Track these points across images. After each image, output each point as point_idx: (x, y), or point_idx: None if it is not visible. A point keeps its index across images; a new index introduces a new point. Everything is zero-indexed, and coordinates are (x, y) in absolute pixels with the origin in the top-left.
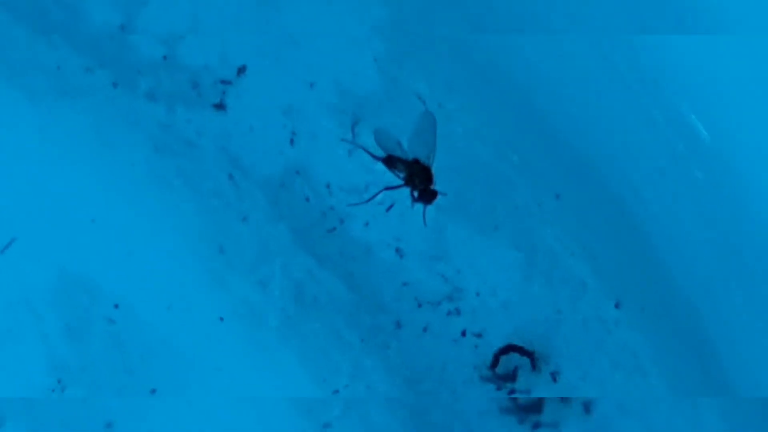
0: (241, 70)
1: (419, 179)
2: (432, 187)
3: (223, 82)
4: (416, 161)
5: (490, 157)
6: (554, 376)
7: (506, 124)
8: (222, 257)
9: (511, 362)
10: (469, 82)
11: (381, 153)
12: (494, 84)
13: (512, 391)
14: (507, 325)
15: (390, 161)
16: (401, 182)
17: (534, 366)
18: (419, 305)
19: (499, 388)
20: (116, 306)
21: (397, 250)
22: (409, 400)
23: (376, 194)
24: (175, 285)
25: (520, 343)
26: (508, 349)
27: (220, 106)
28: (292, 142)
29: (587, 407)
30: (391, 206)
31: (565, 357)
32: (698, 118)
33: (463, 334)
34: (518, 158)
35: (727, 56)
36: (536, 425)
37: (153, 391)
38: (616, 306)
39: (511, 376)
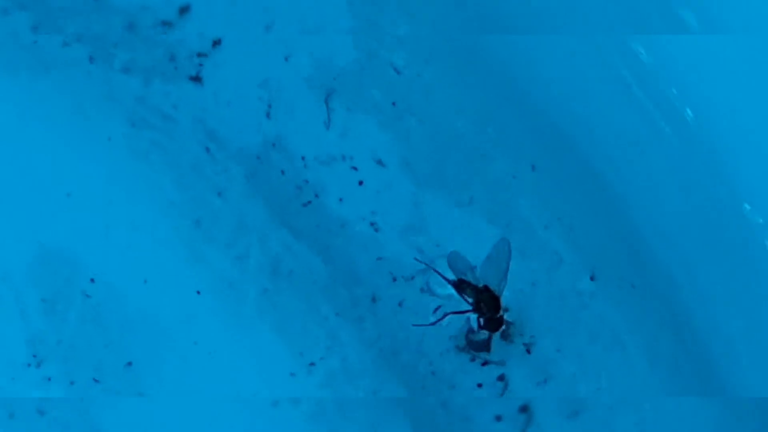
0: (217, 42)
1: (487, 307)
2: (499, 315)
3: (200, 54)
4: (486, 288)
5: (466, 129)
6: (528, 347)
7: (482, 96)
8: (199, 231)
9: (485, 333)
10: (445, 54)
11: (452, 276)
12: (471, 56)
13: (486, 363)
14: None
15: (460, 286)
16: (469, 307)
17: (506, 336)
18: (394, 279)
19: (473, 359)
20: (92, 280)
21: (372, 224)
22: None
23: (442, 318)
24: (151, 259)
25: None
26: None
27: (196, 79)
28: (268, 115)
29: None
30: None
31: (541, 329)
32: (678, 92)
33: (438, 308)
34: (494, 130)
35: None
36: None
37: (129, 364)
38: (592, 278)
39: (485, 346)
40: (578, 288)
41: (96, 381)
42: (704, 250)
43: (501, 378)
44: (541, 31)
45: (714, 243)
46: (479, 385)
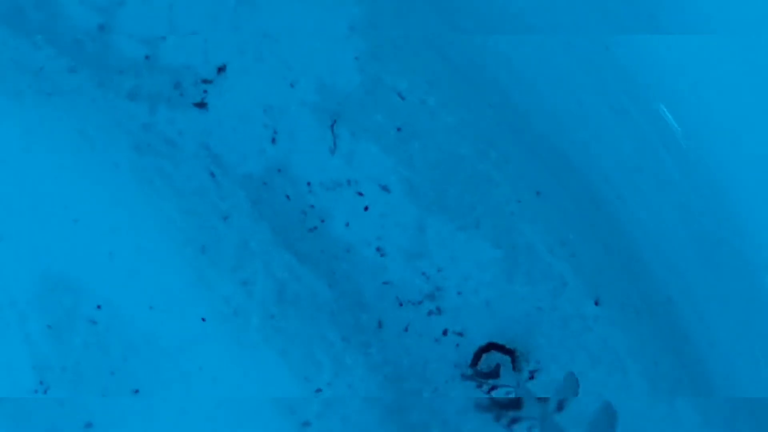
0: (222, 69)
1: None
2: None
3: (205, 81)
4: None
5: (470, 154)
6: (532, 374)
7: (486, 121)
8: (204, 256)
9: (492, 360)
10: (449, 79)
11: None
12: (474, 81)
13: (493, 388)
14: (488, 324)
15: None
16: None
17: (515, 365)
18: (400, 304)
19: (480, 386)
20: (99, 307)
21: (378, 249)
22: (389, 399)
23: None
24: (157, 285)
25: (501, 341)
26: (489, 347)
27: (201, 105)
28: (273, 140)
29: (561, 405)
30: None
31: (546, 354)
32: (672, 114)
33: (445, 333)
34: (498, 155)
35: (702, 55)
36: (513, 421)
37: (136, 391)
38: (596, 303)
39: (493, 374)
40: (582, 312)
41: (103, 408)
42: (705, 275)
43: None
44: (544, 58)
45: (716, 267)
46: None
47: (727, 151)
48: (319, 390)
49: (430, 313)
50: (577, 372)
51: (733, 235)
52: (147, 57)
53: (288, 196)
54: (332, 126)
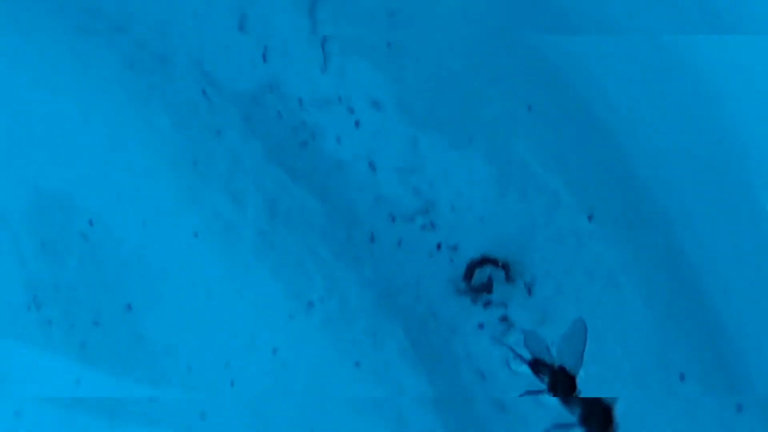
0: None
1: (562, 388)
2: (574, 396)
3: None
4: (562, 369)
5: (461, 70)
6: (529, 288)
7: (477, 36)
8: (196, 172)
9: (485, 274)
10: None
11: (527, 355)
12: None
13: (488, 303)
14: (481, 239)
15: (535, 366)
16: (543, 386)
17: (508, 277)
18: (393, 219)
19: (474, 301)
20: (91, 222)
21: (370, 164)
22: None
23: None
24: (149, 201)
25: (494, 256)
26: (483, 261)
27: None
28: (264, 57)
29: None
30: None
31: (540, 269)
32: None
33: (438, 247)
34: (489, 70)
35: None
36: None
37: (128, 306)
38: (590, 219)
39: (486, 288)
40: (576, 228)
41: (96, 324)
42: (701, 190)
43: (503, 319)
44: None
45: (710, 182)
46: (480, 326)
47: (723, 66)
48: (311, 305)
49: (423, 227)
50: (571, 288)
51: (729, 148)
52: None
53: (279, 113)
54: (323, 43)
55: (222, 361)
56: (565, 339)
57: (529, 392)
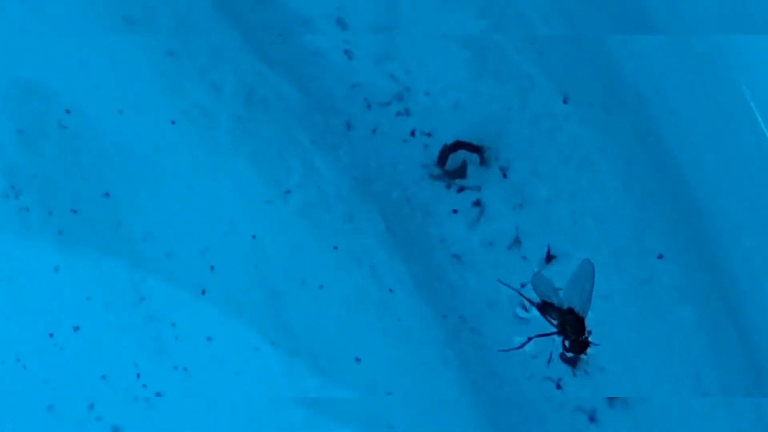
0: None
1: (572, 329)
2: (583, 337)
3: None
4: (570, 311)
5: None
6: (504, 172)
7: None
8: (173, 60)
9: (459, 159)
10: None
11: (536, 298)
12: None
13: (462, 188)
14: (456, 124)
15: (544, 308)
16: (554, 329)
17: (483, 161)
18: (369, 106)
19: (449, 186)
20: (68, 111)
21: (346, 51)
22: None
23: (528, 341)
24: (126, 89)
25: (469, 140)
26: (457, 145)
27: None
28: None
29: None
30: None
31: (516, 152)
32: None
33: (413, 133)
34: None
35: None
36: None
37: (106, 194)
38: (565, 101)
39: (460, 172)
40: (552, 111)
41: (74, 212)
42: (675, 69)
43: (477, 203)
44: None
45: (685, 64)
46: (455, 211)
47: None
48: (288, 191)
49: (398, 114)
50: (549, 170)
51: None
52: None
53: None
54: None
55: (201, 248)
56: (572, 280)
57: (539, 335)
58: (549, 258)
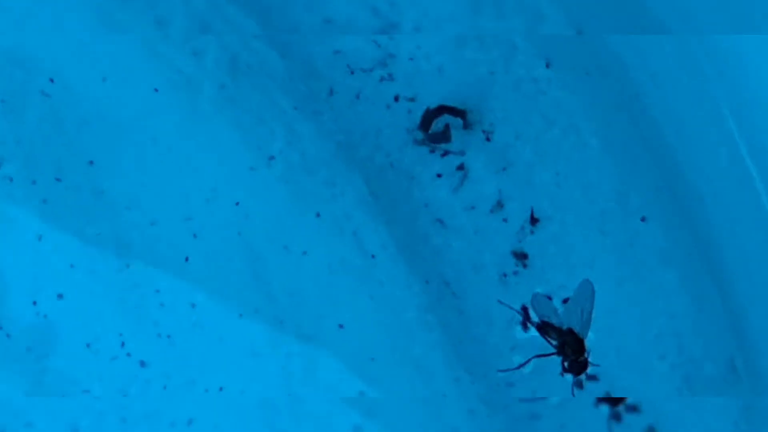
0: None
1: (571, 350)
2: (582, 358)
3: None
4: (570, 331)
5: None
6: (487, 135)
7: None
8: (156, 28)
9: (442, 123)
10: None
11: (536, 318)
12: None
13: (446, 153)
14: (440, 89)
15: (543, 328)
16: (553, 350)
17: (466, 126)
18: (351, 72)
19: (432, 151)
20: (51, 80)
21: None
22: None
23: (527, 362)
24: (109, 56)
25: (453, 105)
26: (440, 110)
27: None
28: None
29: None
30: None
31: (499, 116)
32: None
33: (396, 99)
34: None
35: None
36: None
37: (90, 162)
38: (547, 65)
39: (444, 136)
40: (534, 75)
41: (57, 180)
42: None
43: (460, 167)
44: None
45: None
46: (438, 176)
47: None
48: (271, 158)
49: (381, 79)
50: (530, 134)
51: None
52: None
53: None
54: None
55: (184, 215)
56: (572, 301)
57: (538, 355)
58: (533, 221)
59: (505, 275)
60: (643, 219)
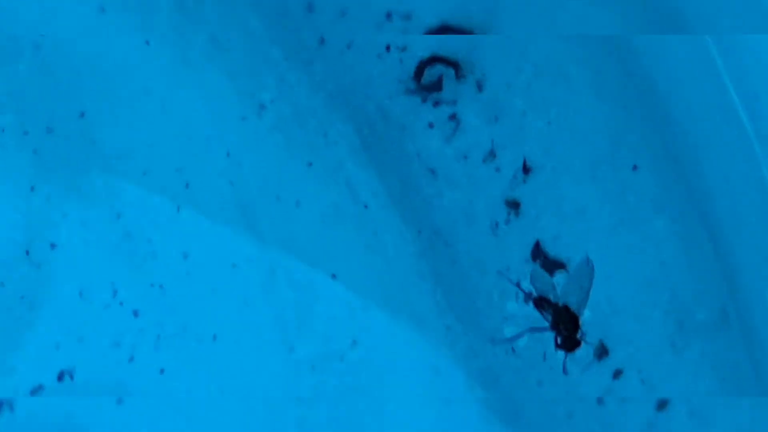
0: None
1: (565, 326)
2: (576, 336)
3: None
4: (566, 308)
5: None
6: (479, 85)
7: None
8: None
9: (435, 73)
10: None
11: (534, 292)
12: None
13: (438, 102)
14: (431, 39)
15: (539, 302)
16: (547, 324)
17: (458, 75)
18: (343, 14)
19: (424, 100)
20: (42, 35)
21: None
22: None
23: (520, 334)
24: (98, 11)
25: (445, 55)
26: (433, 59)
27: None
28: None
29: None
30: None
31: (490, 65)
32: None
33: (388, 48)
34: None
35: None
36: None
37: (82, 114)
38: None
39: (436, 86)
40: None
41: (49, 131)
42: None
43: (453, 117)
44: None
45: None
46: (431, 125)
47: None
48: (262, 107)
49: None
50: (522, 84)
51: None
52: None
53: None
54: None
55: (176, 165)
56: (571, 278)
57: (532, 329)
58: (525, 170)
59: (497, 224)
60: (635, 167)
